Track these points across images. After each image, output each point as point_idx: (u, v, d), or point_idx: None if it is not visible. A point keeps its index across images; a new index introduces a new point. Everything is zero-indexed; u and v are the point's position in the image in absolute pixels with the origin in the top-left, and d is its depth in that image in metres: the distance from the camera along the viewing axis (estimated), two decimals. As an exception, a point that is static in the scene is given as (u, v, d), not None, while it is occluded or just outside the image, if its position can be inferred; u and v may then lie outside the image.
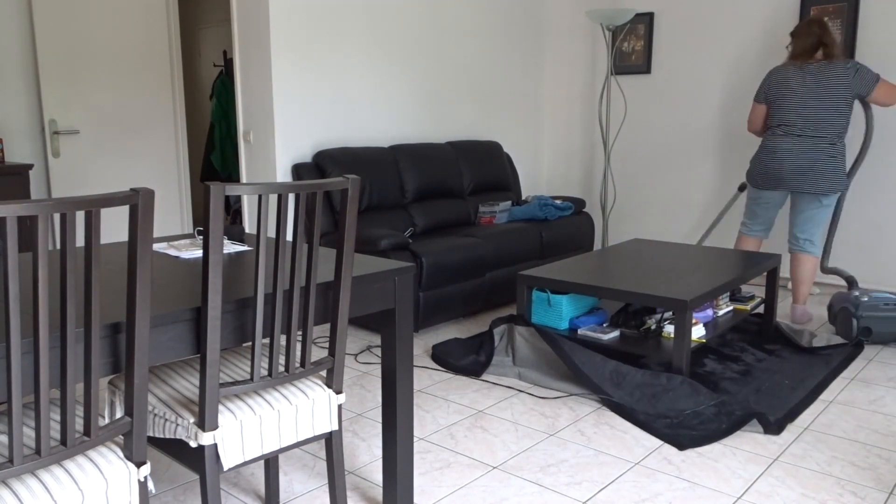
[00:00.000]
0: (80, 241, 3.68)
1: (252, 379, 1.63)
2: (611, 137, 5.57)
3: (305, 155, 4.24)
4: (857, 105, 4.40)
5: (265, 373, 1.68)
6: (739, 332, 3.80)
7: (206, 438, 1.56)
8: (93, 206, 1.20)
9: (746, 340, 3.66)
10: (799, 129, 3.85)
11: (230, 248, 2.19)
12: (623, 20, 4.81)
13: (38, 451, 1.27)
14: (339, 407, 1.84)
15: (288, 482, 2.33)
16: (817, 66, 3.82)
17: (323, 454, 2.53)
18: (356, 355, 3.53)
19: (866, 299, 3.58)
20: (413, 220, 4.43)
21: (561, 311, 3.33)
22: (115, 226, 4.51)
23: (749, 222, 4.19)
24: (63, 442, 1.31)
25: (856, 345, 3.54)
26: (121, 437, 1.49)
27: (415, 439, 2.64)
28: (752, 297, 3.75)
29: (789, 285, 4.80)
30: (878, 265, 4.54)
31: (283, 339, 3.27)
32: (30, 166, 3.78)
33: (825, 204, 3.90)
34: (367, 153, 4.30)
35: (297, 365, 1.75)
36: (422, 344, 3.73)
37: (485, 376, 3.25)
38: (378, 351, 3.61)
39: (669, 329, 3.24)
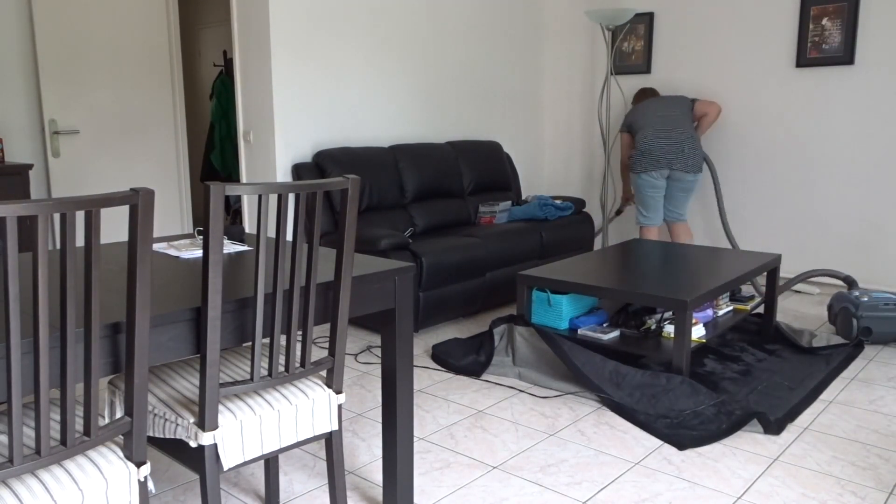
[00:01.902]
0: (80, 241, 3.69)
1: (252, 379, 1.63)
2: (611, 137, 5.57)
3: (305, 155, 4.24)
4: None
5: (265, 373, 1.68)
6: (739, 332, 3.80)
7: (206, 438, 1.56)
8: (93, 206, 1.20)
9: (746, 340, 3.65)
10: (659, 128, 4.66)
11: (230, 248, 2.19)
12: (623, 20, 4.81)
13: (38, 451, 1.27)
14: (339, 407, 1.84)
15: (288, 482, 2.33)
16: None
17: (323, 454, 2.53)
18: (356, 355, 3.53)
19: (866, 299, 3.58)
20: (413, 220, 4.43)
21: (561, 311, 3.33)
22: (115, 226, 4.51)
23: (650, 211, 4.77)
24: (63, 442, 1.31)
25: (856, 345, 3.54)
26: (121, 437, 1.49)
27: (415, 439, 2.64)
28: (752, 297, 3.75)
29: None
30: (878, 265, 4.54)
31: (283, 339, 3.27)
32: (30, 166, 3.78)
33: None
34: (367, 153, 4.30)
35: (297, 365, 1.75)
36: (422, 344, 3.73)
37: (485, 376, 3.25)
38: (378, 351, 3.61)
39: (669, 329, 3.24)
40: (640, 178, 4.59)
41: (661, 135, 4.51)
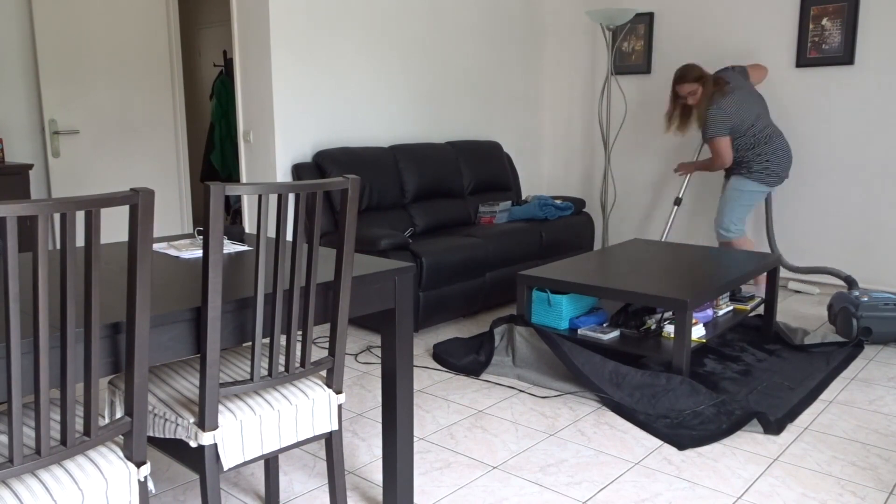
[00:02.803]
0: (80, 241, 3.69)
1: (252, 379, 1.63)
2: (611, 137, 5.57)
3: (305, 155, 4.24)
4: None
5: (265, 373, 1.68)
6: (739, 332, 3.80)
7: (206, 438, 1.56)
8: (93, 206, 1.20)
9: (746, 340, 3.66)
10: (775, 128, 4.31)
11: (230, 248, 2.19)
12: (623, 20, 4.81)
13: (38, 451, 1.27)
14: (339, 407, 1.84)
15: (288, 482, 2.33)
16: (730, 86, 4.26)
17: (323, 454, 2.53)
18: (356, 355, 3.53)
19: (866, 299, 3.58)
20: (413, 220, 4.43)
21: (561, 311, 3.33)
22: (115, 226, 4.51)
23: (743, 222, 4.41)
24: (63, 442, 1.31)
25: (856, 345, 3.54)
26: (121, 437, 1.49)
27: (415, 439, 2.64)
28: (752, 297, 3.75)
29: (790, 285, 4.81)
30: (878, 265, 4.53)
31: (283, 339, 3.27)
32: (30, 166, 3.78)
33: None
34: (367, 153, 4.30)
35: (297, 365, 1.75)
36: (422, 344, 3.73)
37: (485, 376, 3.26)
38: (378, 351, 3.61)
39: (669, 329, 3.24)
40: (755, 187, 4.30)
41: (781, 139, 4.28)
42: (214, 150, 6.21)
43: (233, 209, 6.30)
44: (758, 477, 2.35)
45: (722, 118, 4.19)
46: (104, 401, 1.84)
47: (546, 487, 2.30)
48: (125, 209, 4.38)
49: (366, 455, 2.52)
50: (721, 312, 3.51)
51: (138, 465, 1.45)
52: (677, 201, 4.90)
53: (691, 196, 5.27)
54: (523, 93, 5.72)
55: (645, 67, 5.32)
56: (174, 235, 2.39)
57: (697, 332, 3.17)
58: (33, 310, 1.20)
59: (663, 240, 4.93)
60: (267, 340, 1.99)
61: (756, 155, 4.25)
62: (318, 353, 3.43)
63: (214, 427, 1.57)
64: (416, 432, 2.70)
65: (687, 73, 4.28)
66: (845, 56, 4.45)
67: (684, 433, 2.64)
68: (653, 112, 5.36)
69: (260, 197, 1.49)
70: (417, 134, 4.92)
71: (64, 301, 1.23)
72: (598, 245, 5.66)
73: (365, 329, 3.98)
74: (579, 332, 3.26)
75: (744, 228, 4.39)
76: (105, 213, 4.39)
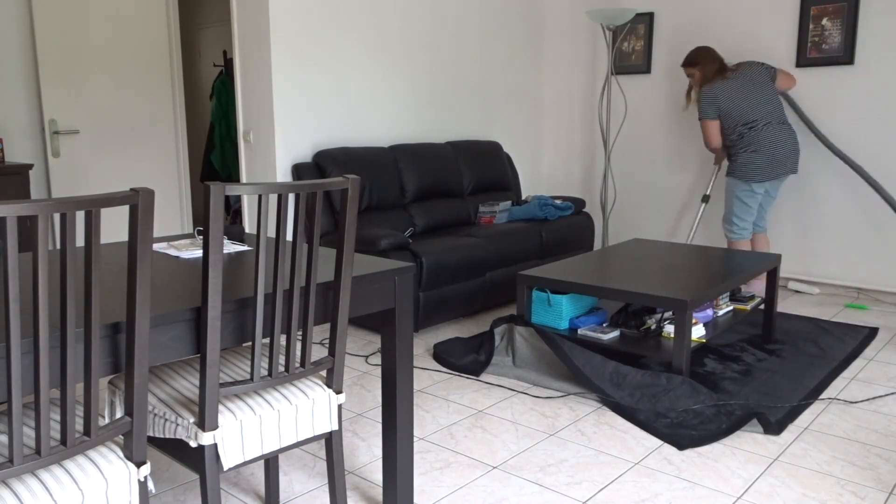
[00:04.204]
0: (80, 241, 3.69)
1: (252, 379, 1.63)
2: (611, 137, 5.57)
3: (305, 155, 4.24)
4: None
5: (265, 373, 1.68)
6: (739, 332, 3.80)
7: (206, 438, 1.56)
8: (93, 206, 1.20)
9: (746, 340, 3.66)
10: (777, 119, 4.20)
11: (230, 248, 2.19)
12: (623, 20, 4.81)
13: (38, 451, 1.27)
14: (339, 407, 1.84)
15: (288, 482, 2.33)
16: (736, 73, 4.26)
17: (323, 454, 2.53)
18: (367, 357, 3.52)
19: None
20: (413, 220, 4.43)
21: (561, 311, 3.33)
22: (115, 226, 4.51)
23: (748, 220, 4.33)
24: (63, 442, 1.31)
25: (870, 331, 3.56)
26: (121, 437, 1.49)
27: (415, 439, 2.64)
28: (752, 297, 3.75)
29: (790, 285, 4.81)
30: (878, 265, 4.53)
31: (283, 339, 3.27)
32: (30, 166, 3.78)
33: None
34: (367, 153, 4.30)
35: (297, 365, 1.75)
36: (422, 344, 3.73)
37: (485, 376, 3.25)
38: (378, 351, 3.62)
39: (669, 329, 3.24)
40: (747, 186, 4.21)
41: (780, 130, 4.13)
42: (214, 150, 6.21)
43: (233, 209, 6.30)
44: (758, 477, 2.35)
45: (709, 100, 4.25)
46: (104, 401, 1.84)
47: (546, 487, 2.30)
48: (125, 209, 4.38)
49: (366, 455, 2.52)
50: (721, 312, 3.51)
51: (138, 465, 1.45)
52: (705, 198, 4.81)
53: (692, 196, 5.27)
54: (523, 93, 5.72)
55: (645, 67, 5.32)
56: (174, 235, 2.39)
57: (697, 332, 3.17)
58: (33, 310, 1.20)
59: (690, 240, 4.96)
60: (267, 340, 1.99)
61: (740, 148, 4.20)
62: (320, 354, 3.43)
63: (214, 427, 1.57)
64: (416, 432, 2.70)
65: (689, 56, 4.42)
66: (845, 56, 4.45)
67: (684, 433, 2.64)
68: (653, 112, 5.36)
69: (260, 197, 1.49)
70: (417, 134, 4.92)
71: (64, 301, 1.23)
72: (598, 245, 5.66)
73: (365, 329, 3.98)
74: (579, 332, 3.26)
75: (748, 229, 4.32)
76: (105, 213, 4.39)
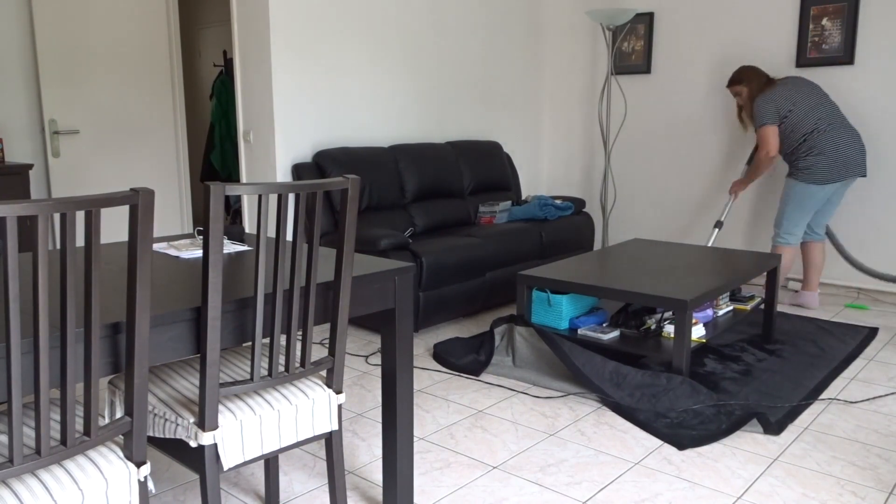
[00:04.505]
0: (80, 241, 3.69)
1: (252, 379, 1.63)
2: (611, 137, 5.57)
3: (305, 155, 4.24)
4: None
5: (265, 373, 1.68)
6: (739, 332, 3.80)
7: (206, 438, 1.56)
8: (93, 206, 1.20)
9: (746, 340, 3.66)
10: (840, 122, 4.05)
11: (230, 248, 2.19)
12: (623, 20, 4.81)
13: (38, 451, 1.27)
14: (339, 407, 1.84)
15: (288, 482, 2.33)
16: (785, 82, 4.15)
17: (323, 454, 2.53)
18: (367, 357, 3.53)
19: None
20: (413, 220, 4.43)
21: (561, 311, 3.33)
22: (115, 226, 4.51)
23: (801, 224, 4.15)
24: (63, 442, 1.31)
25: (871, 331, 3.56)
26: (121, 437, 1.49)
27: (415, 439, 2.64)
28: (752, 297, 3.75)
29: (789, 284, 4.80)
30: (878, 265, 4.53)
31: (283, 339, 3.27)
32: (30, 166, 3.78)
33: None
34: (367, 153, 4.30)
35: (297, 365, 1.75)
36: (422, 344, 3.73)
37: (485, 376, 3.25)
38: (378, 351, 3.61)
39: (669, 329, 3.24)
40: (810, 188, 4.05)
41: (844, 132, 4.01)
42: (214, 150, 6.21)
43: (233, 209, 6.30)
44: (758, 477, 2.35)
45: (768, 104, 4.09)
46: (104, 401, 1.84)
47: (546, 487, 2.30)
48: (125, 209, 4.38)
49: (366, 455, 2.52)
50: (721, 312, 3.51)
51: (138, 465, 1.45)
52: (718, 224, 4.59)
53: (693, 196, 5.27)
54: (523, 93, 5.72)
55: (645, 67, 5.32)
56: (174, 235, 2.39)
57: (697, 332, 3.17)
58: (33, 310, 1.20)
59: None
60: (267, 340, 1.99)
61: (803, 153, 4.04)
62: (320, 354, 3.43)
63: (214, 427, 1.57)
64: (416, 432, 2.70)
65: (734, 76, 4.33)
66: (845, 56, 4.45)
67: (684, 433, 2.64)
68: (653, 112, 5.36)
69: (260, 197, 1.49)
70: (417, 134, 4.92)
71: (64, 301, 1.23)
72: (598, 245, 5.66)
73: (365, 329, 3.98)
74: (579, 332, 3.26)
75: (797, 235, 4.14)
76: (105, 213, 4.39)
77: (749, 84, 4.25)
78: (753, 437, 2.63)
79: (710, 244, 4.59)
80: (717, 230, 4.62)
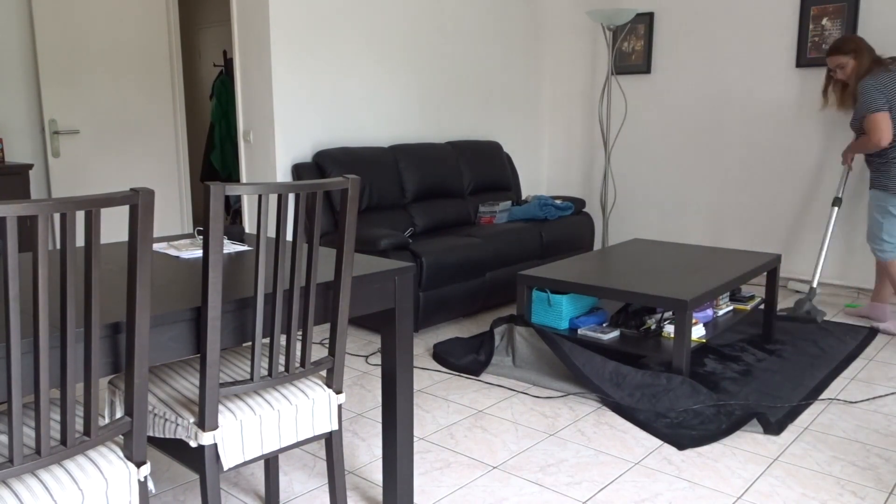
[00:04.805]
0: (80, 241, 3.69)
1: (252, 379, 1.63)
2: (611, 137, 5.57)
3: (305, 155, 4.24)
4: None
5: (265, 373, 1.68)
6: (739, 332, 3.80)
7: (206, 438, 1.56)
8: (93, 206, 1.20)
9: (746, 340, 3.66)
10: None
11: (230, 248, 2.19)
12: (623, 20, 4.81)
13: (38, 451, 1.27)
14: (339, 407, 1.84)
15: (288, 482, 2.33)
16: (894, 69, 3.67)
17: (323, 454, 2.53)
18: (367, 357, 3.53)
19: None
20: (413, 220, 4.43)
21: (561, 311, 3.33)
22: (115, 226, 4.51)
23: None
24: (63, 442, 1.31)
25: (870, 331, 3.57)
26: (121, 437, 1.49)
27: (415, 439, 2.64)
28: (752, 297, 3.75)
29: (789, 285, 4.80)
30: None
31: (283, 339, 3.27)
32: (30, 166, 3.78)
33: None
34: (367, 153, 4.30)
35: (297, 365, 1.75)
36: (422, 344, 3.73)
37: (485, 376, 3.25)
38: (378, 351, 3.61)
39: (669, 329, 3.24)
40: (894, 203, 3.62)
41: None
42: (214, 150, 6.21)
43: (233, 209, 6.30)
44: (758, 477, 2.35)
45: (878, 90, 3.58)
46: (104, 401, 1.84)
47: (546, 487, 2.30)
48: (125, 209, 4.38)
49: (366, 455, 2.52)
50: (721, 312, 3.51)
51: (138, 465, 1.45)
52: (836, 202, 4.11)
53: (692, 196, 5.26)
54: (523, 93, 5.72)
55: (645, 67, 5.32)
56: (174, 235, 2.39)
57: (697, 332, 3.17)
58: (33, 310, 1.20)
59: (822, 254, 4.12)
60: (267, 340, 1.99)
61: (894, 157, 3.62)
62: (320, 353, 3.43)
63: (214, 427, 1.57)
64: (416, 432, 2.70)
65: (840, 45, 3.80)
66: (845, 56, 4.45)
67: (684, 433, 2.64)
68: (653, 112, 5.36)
69: (260, 197, 1.49)
70: (417, 134, 4.92)
71: (64, 301, 1.23)
72: (598, 245, 5.66)
73: (365, 329, 3.98)
74: (579, 332, 3.26)
75: None
76: (105, 213, 4.39)
77: (859, 58, 3.72)
78: (753, 437, 2.63)
79: (830, 227, 4.12)
80: (836, 209, 4.11)
